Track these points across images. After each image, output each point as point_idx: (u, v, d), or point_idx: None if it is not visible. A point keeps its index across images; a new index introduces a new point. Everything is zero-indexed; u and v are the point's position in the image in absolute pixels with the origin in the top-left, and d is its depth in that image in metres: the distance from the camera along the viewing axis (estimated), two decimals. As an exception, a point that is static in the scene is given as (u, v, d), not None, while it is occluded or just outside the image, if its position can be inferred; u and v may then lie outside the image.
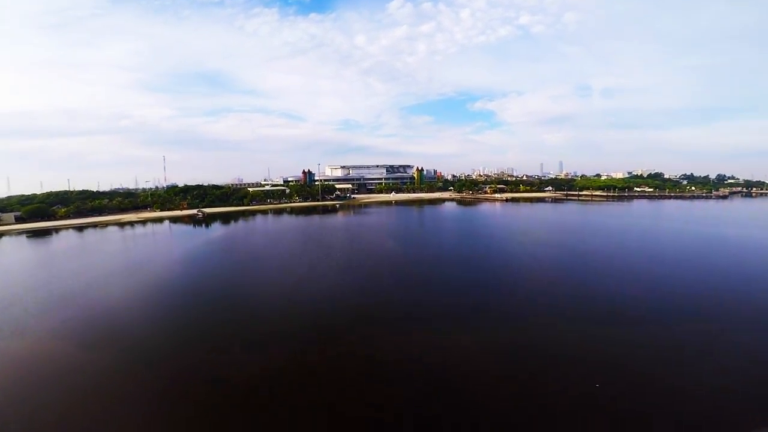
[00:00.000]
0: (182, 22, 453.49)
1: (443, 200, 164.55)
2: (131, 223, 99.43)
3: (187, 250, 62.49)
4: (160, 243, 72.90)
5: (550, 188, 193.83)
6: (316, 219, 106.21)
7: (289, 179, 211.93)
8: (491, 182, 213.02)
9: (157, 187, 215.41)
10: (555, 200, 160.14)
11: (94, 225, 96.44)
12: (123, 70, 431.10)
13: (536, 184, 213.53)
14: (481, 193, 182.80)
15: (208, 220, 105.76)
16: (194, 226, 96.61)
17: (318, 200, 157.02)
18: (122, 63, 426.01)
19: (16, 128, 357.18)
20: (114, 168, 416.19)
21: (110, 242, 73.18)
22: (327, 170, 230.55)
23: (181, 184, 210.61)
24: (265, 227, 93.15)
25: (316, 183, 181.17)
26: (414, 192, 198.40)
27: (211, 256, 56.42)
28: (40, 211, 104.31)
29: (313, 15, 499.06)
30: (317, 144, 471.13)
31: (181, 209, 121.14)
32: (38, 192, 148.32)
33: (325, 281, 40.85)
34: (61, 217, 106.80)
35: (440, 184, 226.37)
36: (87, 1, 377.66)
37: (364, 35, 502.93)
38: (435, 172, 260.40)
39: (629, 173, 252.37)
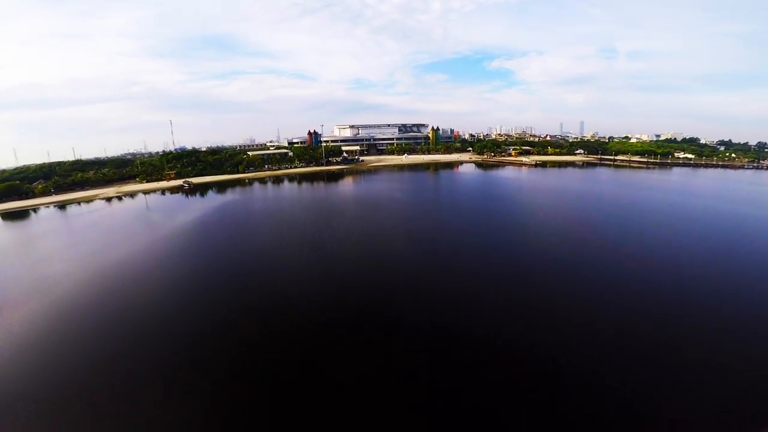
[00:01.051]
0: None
1: (461, 163, 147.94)
2: (110, 199, 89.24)
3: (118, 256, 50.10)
4: (105, 237, 55.13)
5: (581, 151, 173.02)
6: (312, 191, 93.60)
7: (295, 141, 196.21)
8: (514, 143, 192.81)
9: (164, 151, 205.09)
10: (587, 165, 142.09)
11: (68, 203, 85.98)
12: (128, 37, 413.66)
13: (565, 146, 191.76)
14: (504, 156, 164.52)
15: (195, 191, 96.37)
16: (186, 196, 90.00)
17: (322, 165, 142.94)
18: (127, 31, 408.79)
19: (24, 100, 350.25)
20: (126, 133, 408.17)
21: (46, 237, 58.55)
22: (335, 130, 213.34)
23: (190, 147, 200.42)
24: (238, 211, 78.61)
25: (323, 144, 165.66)
26: (429, 153, 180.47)
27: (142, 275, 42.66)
28: (14, 189, 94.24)
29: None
30: (329, 103, 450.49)
31: (168, 180, 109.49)
32: (45, 161, 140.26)
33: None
34: (40, 194, 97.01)
35: (458, 144, 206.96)
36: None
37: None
38: (452, 131, 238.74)
39: (656, 136, 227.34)
